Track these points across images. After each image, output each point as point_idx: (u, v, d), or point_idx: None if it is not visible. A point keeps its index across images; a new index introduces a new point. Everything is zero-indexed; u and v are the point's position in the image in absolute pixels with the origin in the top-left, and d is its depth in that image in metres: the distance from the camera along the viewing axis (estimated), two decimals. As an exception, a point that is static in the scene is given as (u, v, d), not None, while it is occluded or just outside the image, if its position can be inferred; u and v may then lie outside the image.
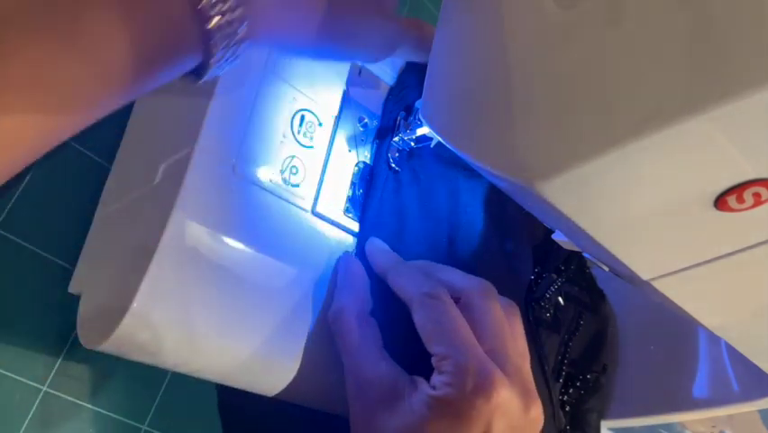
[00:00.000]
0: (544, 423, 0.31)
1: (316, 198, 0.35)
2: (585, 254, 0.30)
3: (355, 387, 0.31)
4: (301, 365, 0.32)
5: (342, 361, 0.32)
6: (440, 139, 0.27)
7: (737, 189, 0.20)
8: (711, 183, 0.20)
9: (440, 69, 0.28)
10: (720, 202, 0.21)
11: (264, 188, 0.33)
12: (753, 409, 0.38)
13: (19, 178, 0.35)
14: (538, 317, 0.42)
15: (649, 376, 0.45)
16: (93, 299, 0.31)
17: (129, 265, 0.29)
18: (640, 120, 0.19)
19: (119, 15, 0.21)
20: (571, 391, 0.43)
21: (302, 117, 0.35)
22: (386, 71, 0.41)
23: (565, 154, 0.21)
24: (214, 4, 0.22)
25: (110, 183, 0.37)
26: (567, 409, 0.43)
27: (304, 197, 0.34)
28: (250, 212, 0.32)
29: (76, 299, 0.32)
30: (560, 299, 0.43)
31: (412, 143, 0.39)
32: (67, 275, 0.35)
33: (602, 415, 0.45)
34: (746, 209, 0.21)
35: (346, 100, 0.38)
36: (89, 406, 0.37)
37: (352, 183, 0.38)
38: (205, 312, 0.28)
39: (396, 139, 0.39)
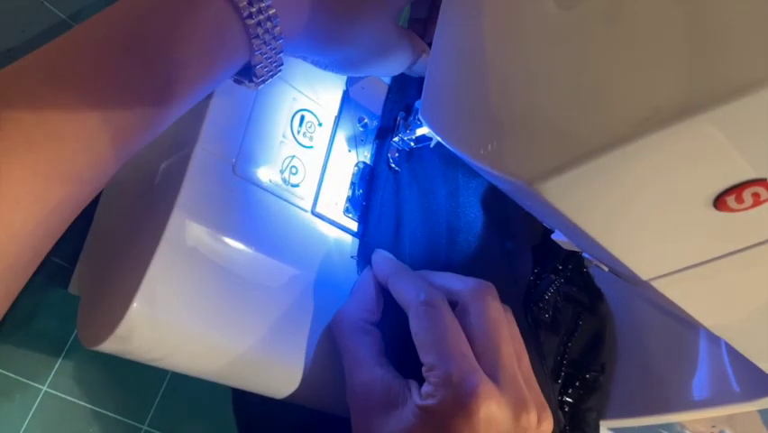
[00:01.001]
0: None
1: (316, 198, 0.35)
2: (585, 254, 0.30)
3: (351, 392, 0.31)
4: (300, 365, 0.32)
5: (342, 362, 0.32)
6: (439, 139, 0.27)
7: (737, 189, 0.20)
8: (710, 183, 0.20)
9: (440, 69, 0.28)
10: (719, 202, 0.21)
11: (264, 188, 0.33)
12: (753, 409, 0.38)
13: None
14: (537, 318, 0.41)
15: (649, 376, 0.45)
16: (93, 299, 0.31)
17: (129, 265, 0.29)
18: (640, 120, 0.19)
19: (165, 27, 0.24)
20: (570, 391, 0.43)
21: (302, 117, 0.35)
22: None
23: (565, 154, 0.21)
24: (251, 3, 0.25)
25: (110, 183, 0.37)
26: (566, 409, 0.43)
27: (303, 197, 0.34)
28: (249, 212, 0.32)
29: (76, 299, 0.32)
30: (558, 300, 0.43)
31: (412, 143, 0.39)
32: (67, 275, 0.35)
33: (601, 414, 0.45)
34: (746, 209, 0.21)
35: (346, 100, 0.38)
36: (89, 406, 0.37)
37: (352, 183, 0.38)
38: (204, 311, 0.28)
39: (396, 139, 0.39)
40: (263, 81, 0.29)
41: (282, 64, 0.28)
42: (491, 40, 0.24)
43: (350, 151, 0.38)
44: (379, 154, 0.39)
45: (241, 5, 0.25)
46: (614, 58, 0.20)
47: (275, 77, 0.29)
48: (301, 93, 0.35)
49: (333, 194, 0.36)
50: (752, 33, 0.17)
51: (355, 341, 0.32)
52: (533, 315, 0.41)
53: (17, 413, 0.34)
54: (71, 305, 0.34)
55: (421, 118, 0.30)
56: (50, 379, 0.36)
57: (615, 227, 0.23)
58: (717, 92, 0.17)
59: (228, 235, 0.30)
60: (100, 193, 0.36)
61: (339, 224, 0.36)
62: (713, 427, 0.54)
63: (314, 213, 0.35)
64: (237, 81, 0.29)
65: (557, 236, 0.30)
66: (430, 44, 0.35)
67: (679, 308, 0.27)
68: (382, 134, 0.40)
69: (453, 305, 0.32)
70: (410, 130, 0.38)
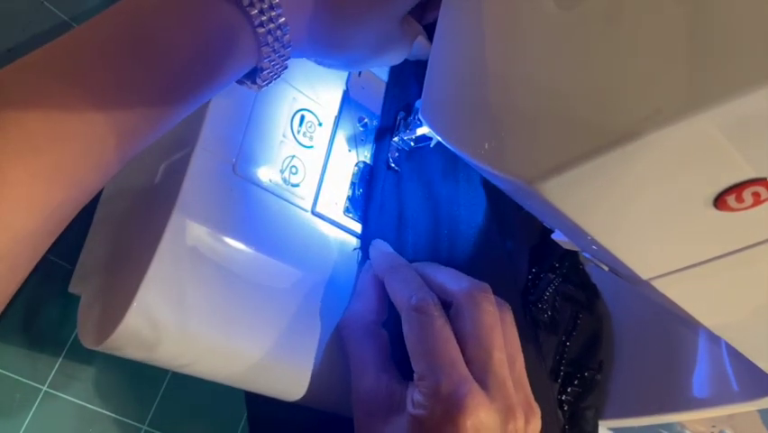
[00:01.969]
0: (546, 425, 0.31)
1: (316, 198, 0.35)
2: (585, 254, 0.30)
3: (356, 395, 0.31)
4: (300, 364, 0.32)
5: (344, 359, 0.32)
6: (440, 139, 0.27)
7: (737, 189, 0.20)
8: (711, 183, 0.20)
9: (440, 68, 0.28)
10: (720, 201, 0.21)
11: (264, 188, 0.33)
12: (753, 409, 0.38)
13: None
14: (536, 318, 0.42)
15: (649, 376, 0.45)
16: (93, 298, 0.31)
17: (129, 265, 0.29)
18: (640, 120, 0.19)
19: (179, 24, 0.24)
20: (569, 390, 0.43)
21: (302, 117, 0.35)
22: (386, 71, 0.41)
23: (565, 154, 0.21)
24: (262, 12, 0.25)
25: (110, 183, 0.37)
26: (565, 408, 0.43)
27: (304, 196, 0.34)
28: (250, 212, 0.32)
29: (76, 299, 0.32)
30: (557, 300, 0.43)
31: (412, 143, 0.39)
32: (67, 275, 0.35)
33: (599, 411, 0.45)
34: (746, 209, 0.21)
35: (346, 100, 0.38)
36: (89, 406, 0.37)
37: (352, 183, 0.38)
38: (204, 311, 0.28)
39: (396, 139, 0.39)
40: (267, 84, 0.29)
41: (287, 68, 0.28)
42: (491, 40, 0.24)
43: (350, 150, 0.38)
44: (379, 154, 0.39)
45: (252, 13, 0.25)
46: (614, 58, 0.20)
47: (276, 77, 0.29)
48: (301, 93, 0.35)
49: (334, 194, 0.36)
50: (752, 33, 0.17)
51: (363, 346, 0.32)
52: (531, 315, 0.41)
53: (17, 413, 0.34)
54: (71, 305, 0.34)
55: (421, 118, 0.30)
56: (50, 379, 0.35)
57: (615, 227, 0.23)
58: (717, 92, 0.17)
59: (228, 235, 0.30)
60: (100, 192, 0.36)
61: (339, 223, 0.36)
62: (713, 427, 0.54)
63: (314, 213, 0.35)
64: (239, 82, 0.29)
65: (557, 236, 0.30)
66: (427, 27, 0.35)
67: (679, 308, 0.27)
68: (382, 134, 0.40)
69: (448, 304, 0.32)
70: (410, 130, 0.38)
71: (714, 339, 0.41)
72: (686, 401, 0.42)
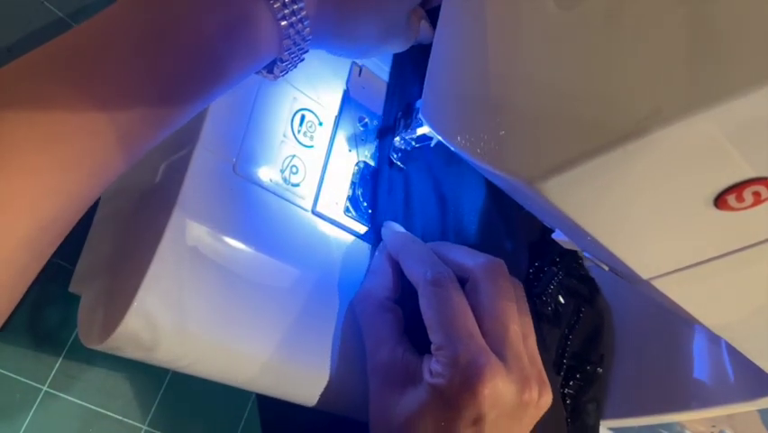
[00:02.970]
0: (550, 413, 0.31)
1: (316, 198, 0.35)
2: (585, 253, 0.30)
3: (373, 370, 0.32)
4: (300, 364, 0.32)
5: (343, 359, 0.33)
6: (440, 138, 0.27)
7: (737, 188, 0.20)
8: (711, 182, 0.20)
9: (440, 68, 0.28)
10: (720, 201, 0.21)
11: (264, 188, 0.33)
12: (753, 409, 0.38)
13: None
14: (540, 311, 0.42)
15: (649, 376, 0.45)
16: (93, 298, 0.31)
17: (129, 265, 0.29)
18: (640, 119, 0.19)
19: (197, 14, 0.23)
20: (571, 383, 0.44)
21: (302, 117, 0.35)
22: (386, 70, 0.41)
23: (565, 154, 0.21)
24: (285, 5, 0.25)
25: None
26: (567, 401, 0.43)
27: (304, 196, 0.34)
28: (250, 211, 0.32)
29: (76, 299, 0.32)
30: (561, 293, 0.44)
31: (413, 143, 0.39)
32: (67, 275, 0.35)
33: (600, 404, 0.46)
34: (746, 208, 0.21)
35: (346, 100, 0.38)
36: (89, 406, 0.37)
37: (353, 183, 0.38)
38: (204, 311, 0.28)
39: (396, 138, 0.39)
40: (283, 75, 0.29)
41: (304, 60, 0.29)
42: (491, 39, 0.24)
43: (350, 150, 0.38)
44: (380, 154, 0.39)
45: (275, 6, 0.25)
46: (614, 57, 0.20)
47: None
48: (301, 92, 0.35)
49: (334, 194, 0.36)
50: (752, 33, 0.17)
51: (378, 320, 0.33)
52: (535, 308, 0.42)
53: (17, 413, 0.34)
54: (71, 305, 0.34)
55: (422, 117, 0.30)
56: (50, 379, 0.35)
57: (615, 226, 0.23)
58: (717, 92, 0.17)
59: (228, 235, 0.30)
60: (100, 193, 0.37)
61: (339, 223, 0.36)
62: (713, 427, 0.54)
63: (314, 212, 0.35)
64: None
65: (557, 236, 0.30)
66: (429, 12, 0.35)
67: (679, 308, 0.27)
68: (383, 134, 0.40)
69: (463, 280, 0.32)
70: (411, 129, 0.38)
71: (714, 339, 0.41)
72: (686, 401, 0.42)
